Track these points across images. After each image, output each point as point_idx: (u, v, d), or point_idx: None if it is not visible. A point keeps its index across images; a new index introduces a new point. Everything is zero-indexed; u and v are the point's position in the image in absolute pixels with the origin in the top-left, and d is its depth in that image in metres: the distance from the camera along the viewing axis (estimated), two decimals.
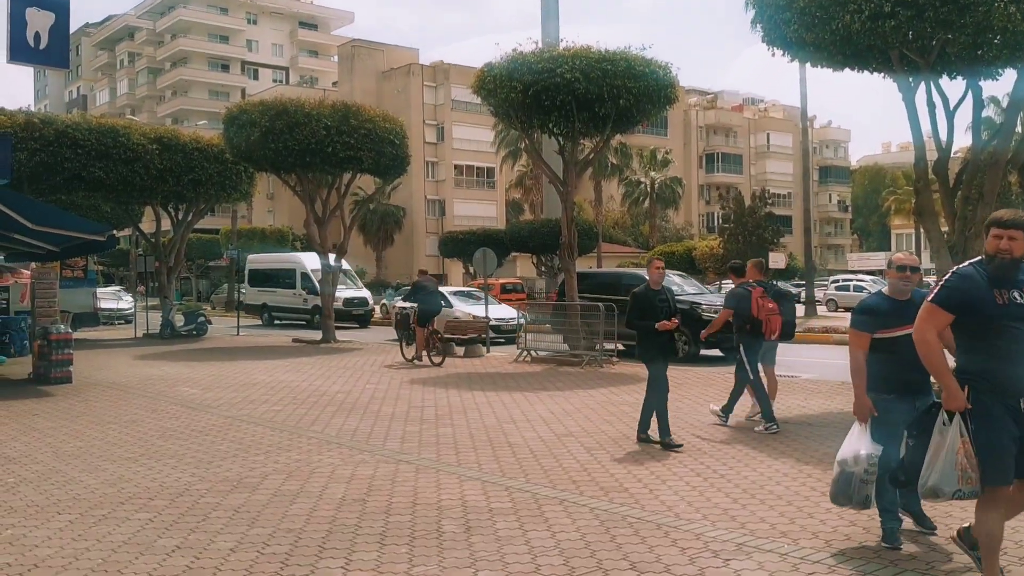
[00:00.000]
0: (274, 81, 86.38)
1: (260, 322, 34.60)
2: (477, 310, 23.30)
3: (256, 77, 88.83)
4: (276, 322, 34.52)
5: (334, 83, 78.87)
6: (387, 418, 10.95)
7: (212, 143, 25.68)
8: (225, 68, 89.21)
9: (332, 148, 21.28)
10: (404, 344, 18.54)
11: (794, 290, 45.35)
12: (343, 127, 21.40)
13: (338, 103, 22.93)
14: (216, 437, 9.77)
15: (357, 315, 32.52)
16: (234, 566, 5.37)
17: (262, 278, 35.95)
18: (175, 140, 25.21)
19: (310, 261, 31.37)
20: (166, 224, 28.75)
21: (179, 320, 27.57)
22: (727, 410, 10.21)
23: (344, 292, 30.97)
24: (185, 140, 25.57)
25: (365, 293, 34.81)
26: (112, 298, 35.33)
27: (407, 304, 19.54)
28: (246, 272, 36.96)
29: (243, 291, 37.85)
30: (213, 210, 41.82)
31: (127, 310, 34.42)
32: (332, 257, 24.49)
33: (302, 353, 20.79)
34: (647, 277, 9.48)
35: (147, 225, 30.82)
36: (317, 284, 27.43)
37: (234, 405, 12.24)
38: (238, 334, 28.01)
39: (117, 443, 9.46)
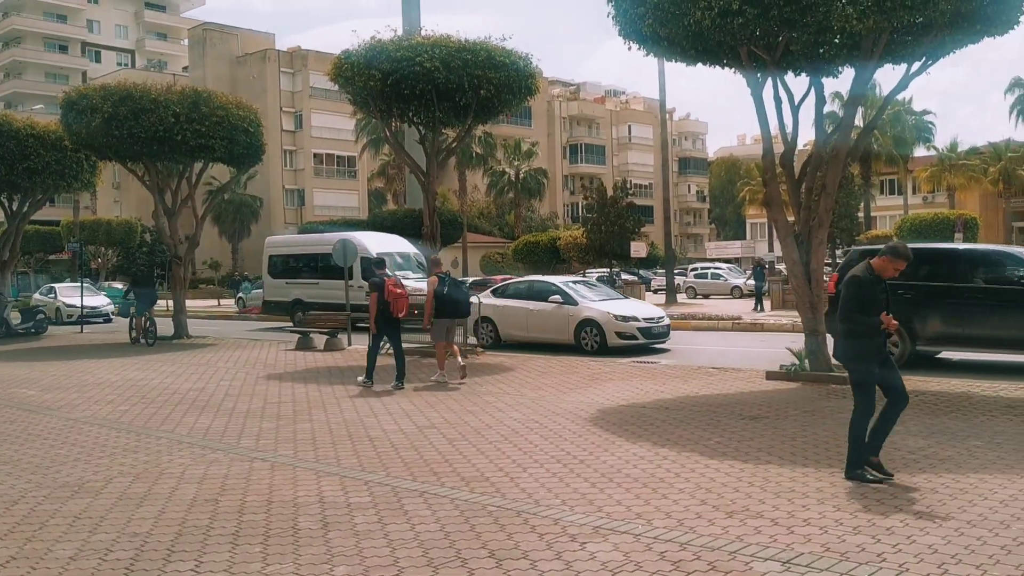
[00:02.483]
0: (118, 64, 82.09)
1: (291, 323, 25.85)
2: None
3: (98, 60, 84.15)
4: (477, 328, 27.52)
5: (184, 68, 75.72)
6: (242, 415, 10.59)
7: (49, 129, 24.08)
8: (64, 49, 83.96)
9: (182, 136, 20.34)
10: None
11: (655, 278, 46.91)
12: (193, 114, 20.47)
13: (188, 89, 21.95)
14: (56, 441, 9.20)
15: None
16: (74, 575, 5.07)
17: (292, 267, 28.07)
18: (7, 125, 23.53)
19: (373, 241, 25.57)
20: None
21: (15, 318, 25.84)
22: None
23: (415, 280, 23.64)
24: (19, 126, 23.87)
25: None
26: None
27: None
28: (265, 259, 28.98)
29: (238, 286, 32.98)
30: (52, 200, 39.47)
31: None
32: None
33: (153, 350, 19.86)
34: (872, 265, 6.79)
35: None
36: (389, 272, 23.93)
37: (76, 407, 11.56)
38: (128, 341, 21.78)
39: None
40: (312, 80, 64.44)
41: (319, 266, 26.35)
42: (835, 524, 5.67)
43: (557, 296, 18.01)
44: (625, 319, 17.39)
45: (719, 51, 12.27)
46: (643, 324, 17.57)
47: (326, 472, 7.50)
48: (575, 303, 17.73)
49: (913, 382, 11.65)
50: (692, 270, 48.23)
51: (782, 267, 25.45)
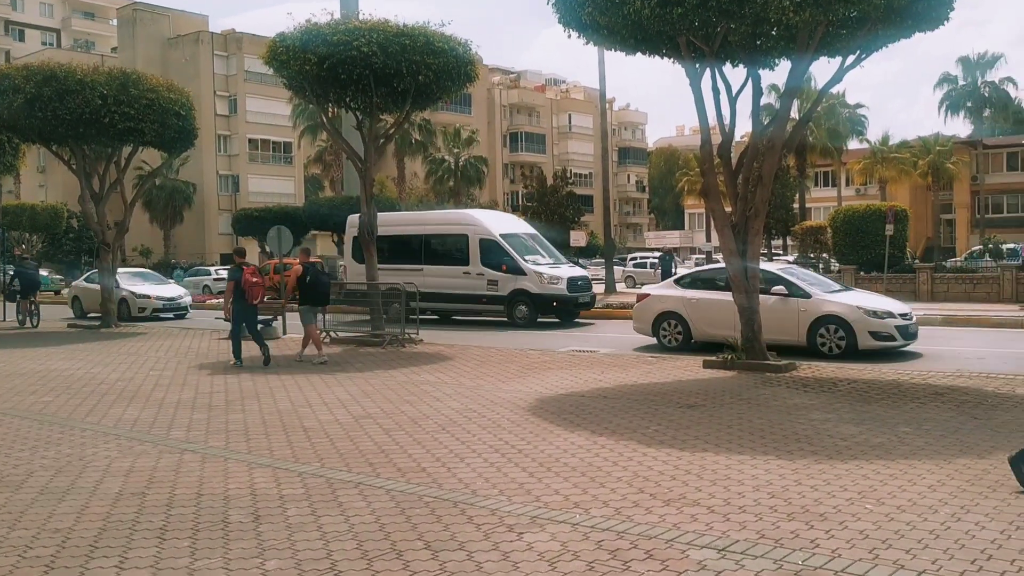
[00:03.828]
0: (43, 44, 79.36)
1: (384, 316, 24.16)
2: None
3: (22, 39, 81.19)
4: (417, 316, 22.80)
5: (113, 49, 73.42)
6: (172, 406, 10.30)
7: None
8: None
9: (110, 119, 19.70)
10: None
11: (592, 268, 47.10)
12: (122, 96, 19.84)
13: (116, 70, 21.24)
14: None
15: (583, 302, 22.29)
16: None
17: (386, 250, 23.40)
18: None
19: (495, 222, 23.17)
20: None
21: None
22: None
23: (552, 268, 22.03)
24: None
25: (580, 270, 24.16)
26: None
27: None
28: (347, 241, 25.39)
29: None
30: None
31: None
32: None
33: (80, 339, 19.26)
34: None
35: None
36: (519, 259, 21.55)
37: None
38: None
39: None
40: (247, 64, 63.11)
41: (424, 249, 23.25)
42: (770, 511, 5.72)
43: (780, 287, 14.57)
44: (879, 315, 14.18)
45: (658, 41, 12.30)
46: (900, 322, 14.30)
47: (258, 464, 7.33)
48: (806, 295, 14.41)
49: (845, 370, 11.93)
50: (631, 260, 48.61)
51: (718, 256, 25.71)
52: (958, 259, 39.32)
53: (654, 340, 15.91)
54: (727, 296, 13.78)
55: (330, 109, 19.79)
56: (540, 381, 11.66)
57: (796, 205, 51.88)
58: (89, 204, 22.37)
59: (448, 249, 23.18)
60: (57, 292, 46.98)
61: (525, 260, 21.63)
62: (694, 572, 4.69)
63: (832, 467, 6.82)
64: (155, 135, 21.01)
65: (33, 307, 22.97)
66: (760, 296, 13.28)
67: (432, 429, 8.60)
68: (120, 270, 25.70)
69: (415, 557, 4.99)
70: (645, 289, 17.40)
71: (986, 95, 67.00)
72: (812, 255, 38.72)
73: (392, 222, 24.99)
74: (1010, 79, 67.35)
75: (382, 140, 19.61)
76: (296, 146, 66.41)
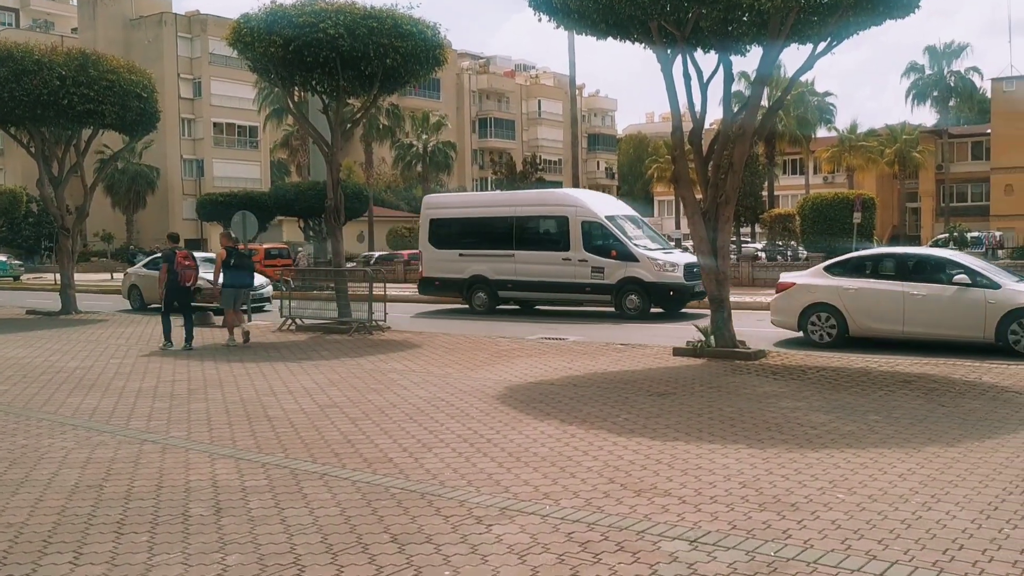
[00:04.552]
0: (1, 24, 77.49)
1: (465, 305, 22.09)
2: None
3: None
4: (503, 306, 21.70)
5: (74, 29, 72.01)
6: (132, 395, 10.06)
7: None
8: None
9: (68, 100, 19.20)
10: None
11: None
12: (81, 77, 19.34)
13: (75, 51, 20.71)
14: None
15: (699, 291, 19.42)
16: None
17: (469, 234, 22.28)
18: None
19: (598, 203, 21.30)
20: None
21: None
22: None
23: (665, 253, 20.31)
24: None
25: (692, 255, 21.97)
26: None
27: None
28: (424, 225, 23.13)
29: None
30: None
31: None
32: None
33: (38, 326, 18.84)
34: None
35: None
36: (629, 243, 19.63)
37: None
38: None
39: None
40: (212, 46, 62.23)
41: (515, 233, 21.15)
42: (741, 501, 5.66)
43: (961, 275, 12.97)
44: None
45: (630, 25, 12.19)
46: None
47: (221, 454, 7.15)
48: (994, 285, 12.71)
49: (813, 358, 11.95)
50: None
51: (687, 244, 25.71)
52: (923, 247, 39.78)
53: (798, 334, 14.32)
54: (893, 285, 13.13)
55: (296, 93, 19.43)
56: (509, 369, 11.55)
57: (765, 193, 52.15)
58: (48, 188, 21.85)
59: (544, 233, 21.17)
60: (16, 278, 46.11)
61: (636, 245, 19.68)
62: (666, 564, 4.61)
63: (803, 456, 6.78)
64: (115, 118, 20.53)
65: None
66: (936, 286, 12.85)
67: (399, 418, 8.46)
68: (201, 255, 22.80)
69: (381, 551, 4.87)
70: (788, 277, 15.39)
71: (952, 85, 67.68)
72: (780, 242, 38.98)
73: (478, 203, 23.49)
74: (976, 69, 68.12)
75: (349, 125, 19.36)
76: (262, 130, 65.61)
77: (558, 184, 78.11)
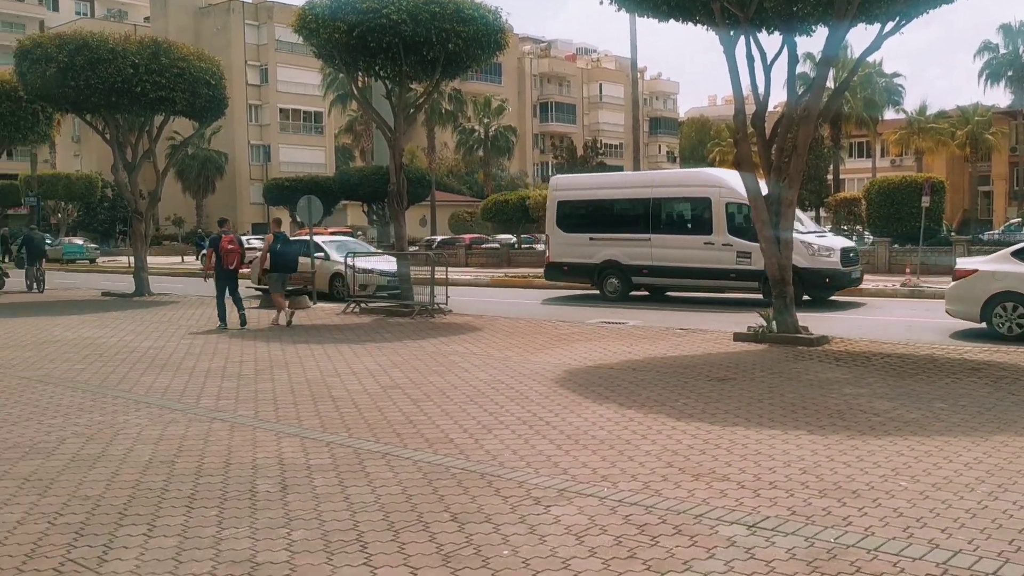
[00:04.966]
0: (77, 14, 79.68)
1: (595, 291, 20.95)
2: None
3: (56, 8, 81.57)
4: (636, 292, 20.51)
5: (146, 18, 73.78)
6: (202, 374, 10.37)
7: (3, 79, 23.32)
8: None
9: (141, 88, 19.80)
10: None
11: None
12: (153, 65, 19.91)
13: (147, 39, 21.31)
14: (7, 400, 8.94)
15: (855, 278, 19.03)
16: (20, 540, 4.90)
17: (601, 216, 21.16)
18: None
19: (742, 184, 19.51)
20: None
21: None
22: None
23: (819, 236, 19.01)
24: None
25: (847, 239, 21.25)
26: None
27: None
28: (551, 207, 21.83)
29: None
30: (10, 153, 38.55)
31: None
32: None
33: (113, 307, 19.48)
34: None
35: None
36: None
37: (30, 365, 11.26)
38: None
39: None
40: (278, 33, 63.22)
41: (651, 215, 19.96)
42: (801, 487, 5.62)
43: None
44: None
45: (692, 7, 12.07)
46: None
47: (287, 433, 7.34)
48: None
49: (878, 344, 11.74)
50: None
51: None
52: (995, 231, 38.58)
53: (980, 325, 13.27)
54: None
55: (360, 78, 19.67)
56: (568, 353, 11.59)
57: (830, 176, 51.10)
58: (122, 173, 22.54)
59: (684, 216, 19.96)
60: (92, 261, 47.63)
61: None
62: (723, 548, 4.61)
63: (865, 443, 6.70)
64: (186, 104, 21.09)
65: (39, 273, 24.90)
66: None
67: (460, 400, 8.58)
68: (319, 239, 22.16)
69: (441, 529, 4.96)
70: (969, 263, 14.32)
71: None
72: (846, 227, 38.16)
73: (611, 184, 22.19)
74: None
75: (412, 109, 19.52)
76: (327, 116, 66.54)
77: (619, 168, 77.68)
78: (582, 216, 21.35)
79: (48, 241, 44.27)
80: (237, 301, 15.32)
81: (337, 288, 20.77)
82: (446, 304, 17.06)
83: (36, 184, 46.29)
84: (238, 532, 4.98)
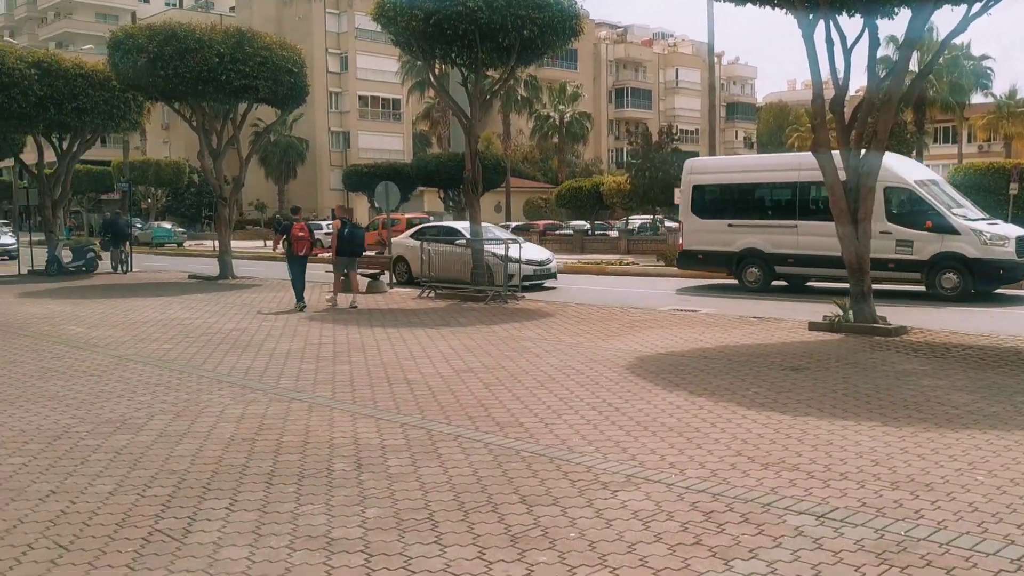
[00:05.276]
0: (167, 4, 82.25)
1: (734, 281, 19.92)
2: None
3: (147, 0, 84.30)
4: (781, 282, 19.32)
5: (231, 8, 75.56)
6: (282, 356, 10.70)
7: (97, 69, 24.26)
8: None
9: (226, 76, 20.38)
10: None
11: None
12: (237, 54, 20.49)
13: (232, 29, 21.91)
14: (100, 377, 9.38)
15: None
16: (112, 510, 5.17)
17: (741, 201, 20.12)
18: (56, 65, 23.71)
19: (903, 166, 18.25)
20: (51, 155, 27.20)
21: (66, 256, 26.39)
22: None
23: (989, 224, 17.53)
24: (67, 66, 24.05)
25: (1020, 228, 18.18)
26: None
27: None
28: (686, 192, 20.59)
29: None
30: (104, 140, 40.05)
31: (11, 246, 32.76)
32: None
33: (198, 290, 20.16)
34: None
35: (30, 156, 28.91)
36: (946, 213, 16.98)
37: (122, 344, 11.78)
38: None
39: None
40: (358, 21, 64.07)
41: (798, 201, 18.71)
42: (873, 479, 5.56)
43: None
44: None
45: None
46: None
47: (362, 414, 7.55)
48: None
49: (959, 336, 11.42)
50: None
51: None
52: None
53: None
54: None
55: (437, 66, 19.88)
56: (639, 340, 11.59)
57: None
58: (208, 160, 23.26)
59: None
60: (179, 245, 49.22)
61: (954, 214, 17.04)
62: (791, 538, 4.61)
63: (941, 436, 6.57)
64: (268, 92, 21.64)
65: (124, 255, 26.71)
66: None
67: (531, 385, 8.68)
68: (458, 226, 21.63)
69: (510, 510, 5.06)
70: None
71: None
72: None
73: (753, 167, 21.04)
74: None
75: (487, 96, 19.63)
76: (405, 103, 67.25)
77: (695, 154, 76.51)
78: (720, 201, 20.28)
79: (138, 225, 46.52)
80: (301, 284, 16.18)
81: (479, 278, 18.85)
82: (519, 290, 17.12)
83: (128, 170, 47.93)
84: (314, 509, 5.16)
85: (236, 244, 28.68)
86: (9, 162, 37.51)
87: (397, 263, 21.64)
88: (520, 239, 20.60)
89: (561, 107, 62.32)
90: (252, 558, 4.44)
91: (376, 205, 31.94)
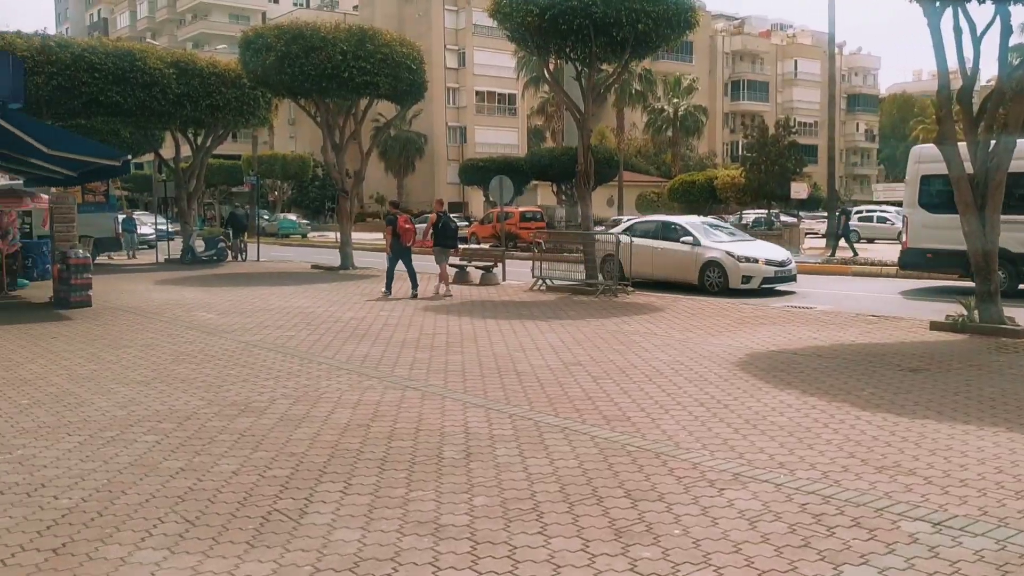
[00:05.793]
0: (295, 4, 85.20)
1: (967, 283, 15.60)
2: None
3: (277, 0, 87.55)
4: None
5: (355, 7, 77.66)
6: (398, 345, 11.01)
7: (229, 68, 25.48)
8: None
9: (348, 73, 21.07)
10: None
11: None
12: (359, 52, 21.16)
13: (354, 27, 22.62)
14: (228, 362, 9.87)
15: None
16: (235, 488, 5.45)
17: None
18: (192, 65, 25.05)
19: None
20: (187, 150, 28.71)
21: (200, 246, 27.82)
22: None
23: None
24: (202, 65, 25.39)
25: None
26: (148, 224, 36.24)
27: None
28: (913, 184, 17.82)
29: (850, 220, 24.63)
30: (235, 136, 41.92)
31: (150, 235, 34.71)
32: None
33: (320, 279, 20.88)
34: None
35: (168, 151, 30.62)
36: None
37: (248, 330, 12.35)
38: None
39: (130, 367, 9.59)
40: (475, 17, 64.76)
41: None
42: (995, 487, 5.34)
43: None
44: None
45: None
46: None
47: (473, 403, 7.71)
48: None
49: None
50: (856, 213, 45.70)
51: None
52: None
53: None
54: None
55: (551, 60, 19.98)
56: (751, 336, 11.39)
57: None
58: (331, 154, 24.06)
59: None
60: (304, 236, 51.04)
61: None
62: (905, 544, 4.48)
63: None
64: (389, 88, 22.25)
65: (242, 244, 28.90)
66: None
67: (639, 379, 8.68)
68: (683, 220, 19.47)
69: (615, 504, 5.10)
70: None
71: None
72: None
73: None
74: None
75: (601, 90, 19.60)
76: (520, 97, 67.67)
77: (814, 148, 74.13)
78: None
79: (266, 217, 48.94)
80: (412, 274, 16.92)
81: (710, 279, 17.70)
82: (629, 284, 17.06)
83: (256, 164, 50.04)
84: (424, 495, 5.32)
85: (357, 236, 29.58)
86: (148, 156, 39.74)
87: (605, 262, 18.16)
88: (749, 236, 19.26)
89: (675, 100, 61.48)
90: (363, 540, 4.61)
91: (491, 199, 32.32)
